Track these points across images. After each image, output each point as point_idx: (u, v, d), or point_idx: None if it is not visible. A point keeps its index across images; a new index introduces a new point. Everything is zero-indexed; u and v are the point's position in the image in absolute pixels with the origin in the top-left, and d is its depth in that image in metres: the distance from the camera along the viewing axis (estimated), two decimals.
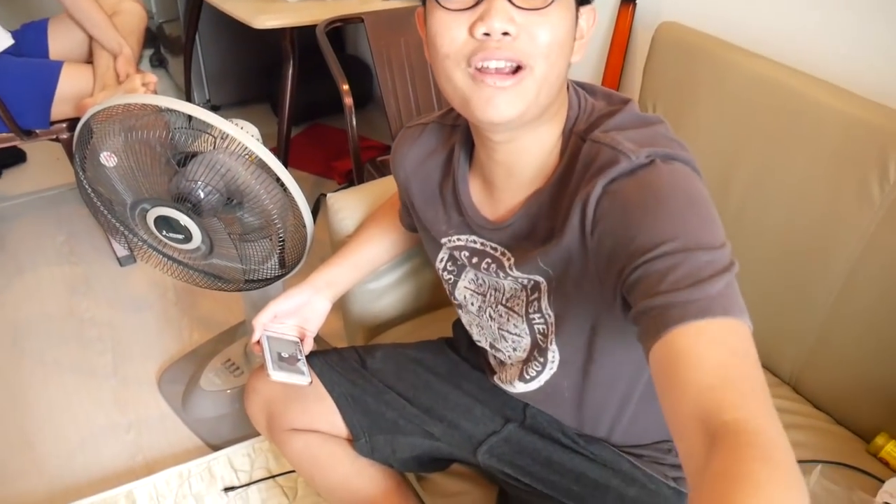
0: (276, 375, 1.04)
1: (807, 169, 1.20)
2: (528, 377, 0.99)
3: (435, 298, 1.43)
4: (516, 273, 0.89)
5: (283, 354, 1.09)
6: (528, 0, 0.71)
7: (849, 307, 1.18)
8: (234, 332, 1.93)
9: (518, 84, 0.73)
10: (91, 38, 2.03)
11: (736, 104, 1.32)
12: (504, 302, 0.95)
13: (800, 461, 1.11)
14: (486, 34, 0.71)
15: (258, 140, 1.43)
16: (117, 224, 1.56)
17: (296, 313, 1.13)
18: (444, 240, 0.99)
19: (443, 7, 0.74)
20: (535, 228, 0.85)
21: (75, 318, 2.02)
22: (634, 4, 1.71)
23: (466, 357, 1.17)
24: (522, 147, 0.83)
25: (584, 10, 0.79)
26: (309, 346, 1.12)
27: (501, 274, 0.92)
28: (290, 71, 2.02)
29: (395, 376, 1.16)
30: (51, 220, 2.41)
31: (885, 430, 1.16)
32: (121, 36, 1.93)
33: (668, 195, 0.71)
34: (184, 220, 1.37)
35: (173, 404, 1.75)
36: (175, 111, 1.31)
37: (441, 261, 1.03)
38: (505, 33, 0.71)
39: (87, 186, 1.50)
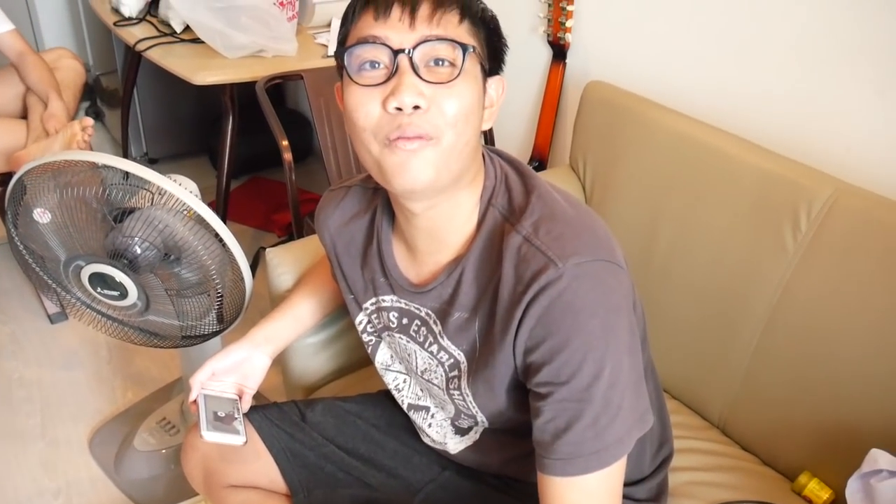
0: (209, 436, 1.02)
1: (727, 220, 1.27)
2: (459, 434, 1.02)
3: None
4: (445, 342, 0.92)
5: (219, 413, 1.07)
6: (435, 74, 0.76)
7: (771, 350, 1.24)
8: (169, 389, 1.89)
9: (423, 150, 0.76)
10: (25, 93, 2.02)
11: (659, 159, 1.39)
12: (422, 375, 0.98)
13: (727, 503, 1.16)
14: (398, 108, 0.75)
15: (197, 195, 1.44)
16: (49, 281, 1.53)
17: (235, 370, 1.11)
18: (366, 304, 1.01)
19: (356, 83, 0.78)
20: (458, 296, 0.88)
21: (2, 379, 1.95)
22: (565, 63, 1.79)
23: (396, 416, 1.18)
24: (441, 214, 0.85)
25: (492, 80, 0.84)
26: (248, 403, 1.11)
27: (430, 339, 0.94)
28: (230, 126, 2.03)
29: (336, 429, 1.16)
30: None
31: (808, 468, 1.21)
32: (58, 90, 1.93)
33: (580, 327, 0.76)
34: (119, 276, 1.35)
35: (105, 467, 1.70)
36: (111, 167, 1.31)
37: (360, 323, 1.04)
38: (416, 107, 0.75)
39: (18, 243, 1.47)
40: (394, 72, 0.75)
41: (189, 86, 1.89)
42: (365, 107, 0.77)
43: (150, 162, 2.98)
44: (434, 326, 0.92)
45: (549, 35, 1.79)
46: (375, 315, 1.01)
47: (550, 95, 1.83)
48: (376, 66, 0.77)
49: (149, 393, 1.90)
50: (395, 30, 0.76)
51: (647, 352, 0.97)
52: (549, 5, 1.76)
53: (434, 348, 0.94)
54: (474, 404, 0.93)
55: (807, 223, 1.18)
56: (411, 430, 1.14)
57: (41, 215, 1.37)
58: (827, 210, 1.16)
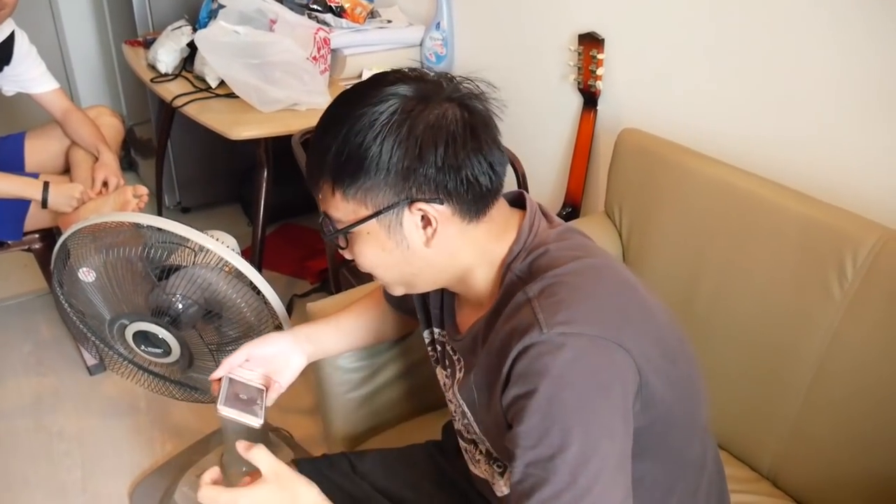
0: (225, 411, 0.98)
1: (770, 269, 1.26)
2: (500, 475, 1.01)
3: (418, 404, 1.43)
4: (455, 391, 0.96)
5: (241, 395, 1.04)
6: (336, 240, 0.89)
7: (821, 399, 1.21)
8: (208, 441, 1.89)
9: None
10: (68, 151, 2.07)
11: (698, 207, 1.38)
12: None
13: None
14: None
15: (236, 251, 1.46)
16: (91, 336, 1.55)
17: (270, 361, 1.10)
18: (426, 332, 1.06)
19: None
20: (476, 351, 0.91)
21: (44, 432, 1.97)
22: (596, 110, 1.80)
23: (454, 461, 1.17)
24: (460, 289, 0.94)
25: (406, 216, 0.83)
26: (275, 395, 1.09)
27: (448, 384, 0.98)
28: (265, 178, 2.06)
29: (386, 479, 1.17)
30: (17, 329, 2.37)
31: None
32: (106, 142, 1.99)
33: (552, 396, 0.76)
34: (162, 333, 1.37)
35: None
36: (154, 228, 1.34)
37: (427, 342, 1.08)
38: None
39: (63, 301, 1.49)
40: None
41: (221, 137, 1.93)
42: None
43: (183, 211, 3.03)
44: (458, 373, 0.97)
45: (579, 83, 1.80)
46: (430, 343, 1.06)
47: (582, 142, 1.83)
48: None
49: (187, 445, 1.90)
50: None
51: (701, 414, 0.96)
52: (579, 54, 1.77)
53: (450, 393, 0.99)
54: (493, 450, 0.95)
55: (853, 271, 1.16)
56: (461, 482, 1.13)
57: (86, 275, 1.39)
58: (873, 257, 1.15)
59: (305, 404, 1.91)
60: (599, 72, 1.75)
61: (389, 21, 2.33)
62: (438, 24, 2.23)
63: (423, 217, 0.83)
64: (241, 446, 0.95)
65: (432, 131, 0.80)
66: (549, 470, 0.75)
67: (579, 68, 1.79)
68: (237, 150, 2.11)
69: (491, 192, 0.85)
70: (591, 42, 1.74)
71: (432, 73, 0.86)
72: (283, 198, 2.64)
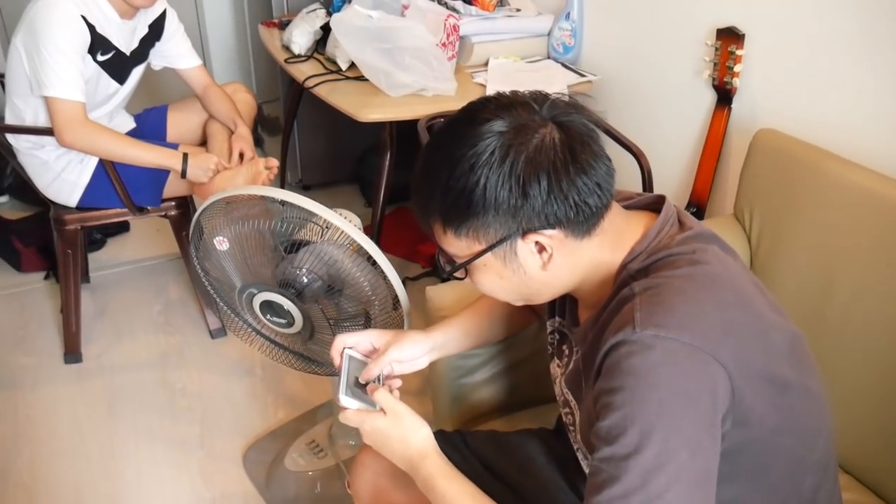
0: (346, 401, 1.00)
1: None
2: None
3: (530, 396, 1.43)
4: (562, 384, 0.97)
5: (360, 380, 1.05)
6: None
7: None
8: (317, 411, 1.96)
9: None
10: (205, 124, 2.18)
11: (838, 214, 1.31)
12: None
13: None
14: None
15: (360, 229, 1.49)
16: (220, 301, 1.63)
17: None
18: (549, 321, 1.07)
19: None
20: (585, 343, 0.91)
21: (168, 388, 2.10)
22: (730, 108, 1.73)
23: (566, 447, 1.17)
24: (581, 291, 0.93)
25: (519, 245, 0.84)
26: (395, 385, 1.10)
27: (558, 374, 1.01)
28: (388, 161, 2.11)
29: (496, 456, 1.18)
30: (149, 290, 2.53)
31: None
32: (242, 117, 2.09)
33: (636, 394, 0.76)
34: (287, 304, 1.42)
35: (257, 482, 1.78)
36: (288, 203, 1.38)
37: (550, 332, 1.08)
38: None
39: (197, 265, 1.58)
40: None
41: (345, 118, 1.98)
42: None
43: (304, 188, 3.13)
44: (570, 365, 0.98)
45: (714, 79, 1.74)
46: (552, 332, 1.07)
47: (712, 140, 1.77)
48: None
49: (298, 413, 1.98)
50: None
51: (818, 450, 0.92)
52: (717, 49, 1.71)
53: (559, 385, 1.00)
54: (584, 444, 0.95)
55: None
56: (571, 468, 1.13)
57: (220, 243, 1.46)
58: None
59: (413, 385, 1.94)
60: (737, 68, 1.68)
61: (518, 10, 2.32)
62: (568, 14, 2.20)
63: (536, 244, 0.84)
64: (369, 388, 1.02)
65: (533, 165, 0.80)
66: (622, 469, 0.74)
67: (715, 64, 1.72)
68: (358, 132, 2.17)
69: (601, 208, 0.84)
70: (730, 37, 1.68)
71: (522, 93, 0.86)
72: (401, 180, 2.69)
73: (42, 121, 1.88)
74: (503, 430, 1.27)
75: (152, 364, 2.19)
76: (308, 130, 3.02)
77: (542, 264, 0.86)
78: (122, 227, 2.86)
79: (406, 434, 0.97)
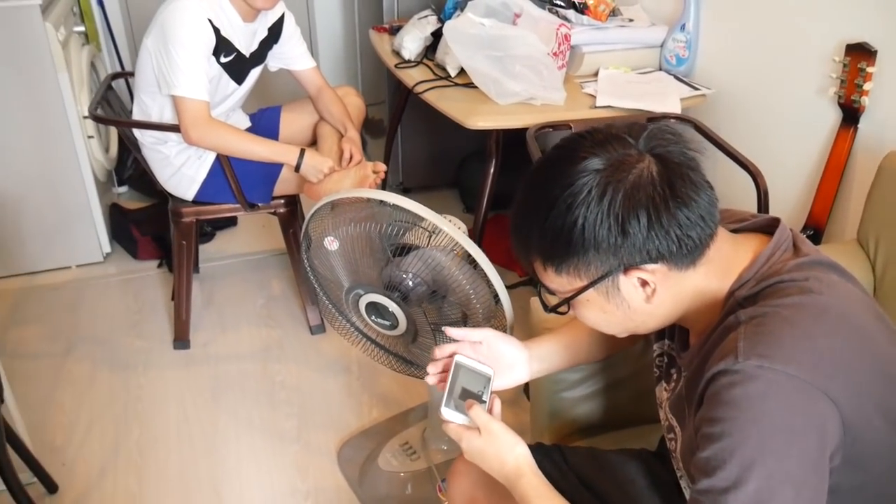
0: (448, 414, 0.99)
1: None
2: None
3: (631, 416, 1.40)
4: (667, 409, 0.96)
5: (467, 388, 1.03)
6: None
7: None
8: (410, 413, 1.99)
9: None
10: (315, 125, 2.25)
11: None
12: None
13: None
14: None
15: (466, 234, 1.50)
16: (325, 299, 1.67)
17: (496, 360, 1.10)
18: (657, 344, 1.05)
19: None
20: (692, 374, 0.89)
21: (267, 380, 2.17)
22: (856, 128, 1.65)
23: (667, 469, 1.14)
24: (687, 319, 0.91)
25: (621, 281, 0.83)
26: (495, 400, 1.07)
27: (663, 398, 0.99)
28: (493, 168, 2.11)
29: (594, 474, 1.17)
30: (253, 283, 2.62)
31: None
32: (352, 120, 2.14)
33: (737, 427, 0.74)
34: (392, 307, 1.45)
35: (350, 478, 1.82)
36: (397, 206, 1.41)
37: (657, 354, 1.06)
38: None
39: (306, 262, 1.62)
40: None
41: (448, 123, 1.99)
42: None
43: (404, 191, 3.18)
44: (676, 389, 0.96)
45: (840, 97, 1.66)
46: (659, 354, 1.04)
47: (835, 161, 1.69)
48: None
49: (392, 414, 2.00)
50: None
51: None
52: (845, 65, 1.63)
53: (664, 409, 0.98)
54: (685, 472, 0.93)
55: None
56: (673, 492, 1.10)
57: (331, 243, 1.50)
58: None
59: (506, 394, 1.93)
60: (867, 86, 1.60)
61: (631, 20, 2.28)
62: (683, 25, 2.15)
63: (639, 279, 0.83)
64: (466, 404, 1.01)
65: (631, 202, 0.78)
66: (720, 503, 0.73)
67: (842, 81, 1.65)
68: (460, 137, 2.18)
69: (705, 239, 0.82)
70: (860, 53, 1.60)
71: (617, 127, 0.85)
72: (501, 188, 2.69)
73: (167, 117, 1.98)
74: (602, 448, 1.24)
75: (254, 355, 2.27)
76: (411, 134, 3.07)
77: (646, 298, 0.85)
78: (231, 222, 2.98)
79: (501, 452, 0.97)
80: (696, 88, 2.09)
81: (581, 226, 0.80)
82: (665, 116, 1.96)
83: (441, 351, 1.10)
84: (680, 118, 1.97)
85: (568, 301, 0.88)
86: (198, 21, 1.85)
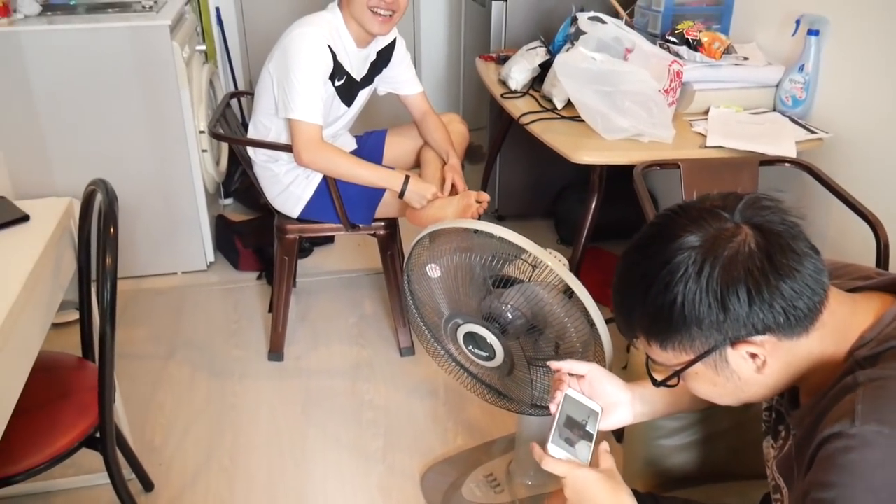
0: (555, 451, 0.99)
1: None
2: None
3: (730, 467, 1.34)
4: (773, 467, 0.93)
5: (573, 417, 1.03)
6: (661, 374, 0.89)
7: None
8: (496, 444, 1.97)
9: None
10: (419, 150, 2.28)
11: None
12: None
13: None
14: None
15: (568, 269, 1.48)
16: (422, 325, 1.68)
17: (598, 398, 1.09)
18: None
19: None
20: (804, 433, 0.86)
21: (356, 398, 2.20)
22: None
23: None
24: (802, 381, 0.88)
25: (729, 354, 0.82)
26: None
27: (770, 455, 0.95)
28: (594, 203, 2.09)
29: None
30: (346, 301, 2.67)
31: None
32: (454, 148, 2.17)
33: (848, 495, 0.72)
34: (491, 338, 1.44)
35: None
36: (498, 238, 1.41)
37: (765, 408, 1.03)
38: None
39: (406, 287, 1.64)
40: None
41: (547, 153, 1.99)
42: None
43: (499, 219, 3.19)
44: (784, 447, 0.92)
45: None
46: (767, 409, 1.02)
47: None
48: None
49: (477, 443, 1.99)
50: None
51: None
52: None
53: (770, 467, 0.95)
54: None
55: None
56: None
57: (433, 270, 1.52)
58: None
59: None
60: None
61: (746, 58, 2.22)
62: (802, 66, 2.08)
63: (747, 351, 0.82)
64: (535, 452, 1.01)
65: (730, 277, 0.78)
66: None
67: None
68: (558, 167, 2.17)
69: (814, 307, 0.80)
70: None
71: (711, 199, 0.84)
72: (598, 219, 2.66)
73: (283, 138, 2.05)
74: (698, 501, 1.20)
75: (344, 373, 2.30)
76: (509, 162, 3.08)
77: (757, 369, 0.83)
78: (329, 239, 3.05)
79: (612, 497, 0.96)
80: (813, 131, 2.01)
81: (681, 303, 0.80)
82: (779, 160, 1.90)
83: (557, 364, 1.11)
84: (795, 162, 1.90)
85: (677, 374, 0.88)
86: (318, 47, 1.91)
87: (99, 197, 1.41)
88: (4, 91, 2.42)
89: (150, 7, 2.63)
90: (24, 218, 1.49)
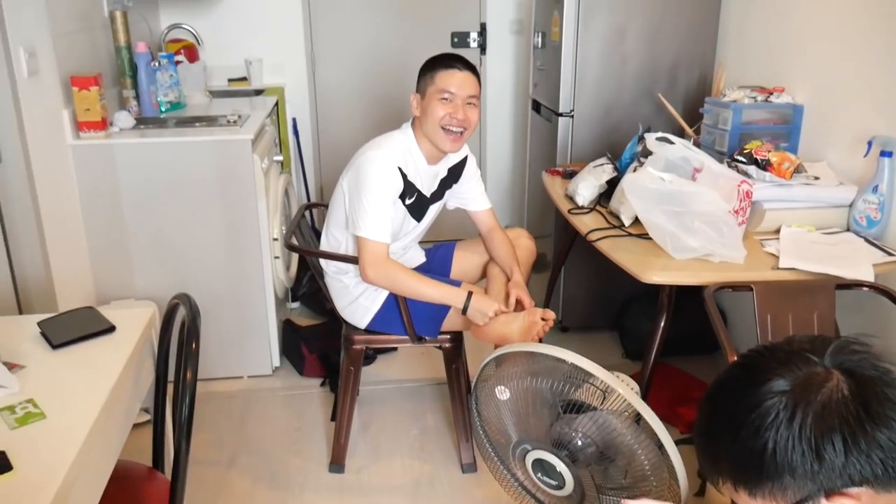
0: None
1: None
2: None
3: None
4: None
5: None
6: None
7: None
8: None
9: None
10: (486, 265, 2.31)
11: None
12: None
13: None
14: None
15: (639, 395, 1.46)
16: (489, 448, 1.66)
17: None
18: None
19: None
20: None
21: None
22: None
23: None
24: None
25: None
26: None
27: None
28: (663, 322, 2.06)
29: None
30: (409, 412, 2.65)
31: None
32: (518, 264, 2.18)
33: None
34: (560, 466, 1.41)
35: None
36: (575, 366, 1.40)
37: None
38: None
39: (474, 407, 1.63)
40: None
41: (613, 266, 1.98)
42: None
43: (562, 330, 3.16)
44: None
45: None
46: None
47: None
48: None
49: None
50: None
51: None
52: None
53: None
54: None
55: None
56: None
57: (502, 392, 1.51)
58: None
59: None
60: None
61: (816, 178, 2.21)
62: (876, 186, 2.06)
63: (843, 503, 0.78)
64: None
65: (824, 424, 0.75)
66: None
67: None
68: (623, 281, 2.16)
69: None
70: None
71: (799, 341, 0.82)
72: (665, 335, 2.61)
73: (353, 251, 2.11)
74: None
75: (405, 488, 2.26)
76: (574, 273, 3.08)
77: None
78: (392, 347, 3.06)
79: None
80: (891, 253, 1.97)
81: (772, 450, 0.77)
82: (857, 284, 1.85)
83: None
84: (873, 286, 1.85)
85: None
86: (388, 170, 1.99)
87: (182, 310, 1.46)
88: (97, 198, 2.57)
89: (235, 122, 2.79)
90: (111, 329, 1.55)
